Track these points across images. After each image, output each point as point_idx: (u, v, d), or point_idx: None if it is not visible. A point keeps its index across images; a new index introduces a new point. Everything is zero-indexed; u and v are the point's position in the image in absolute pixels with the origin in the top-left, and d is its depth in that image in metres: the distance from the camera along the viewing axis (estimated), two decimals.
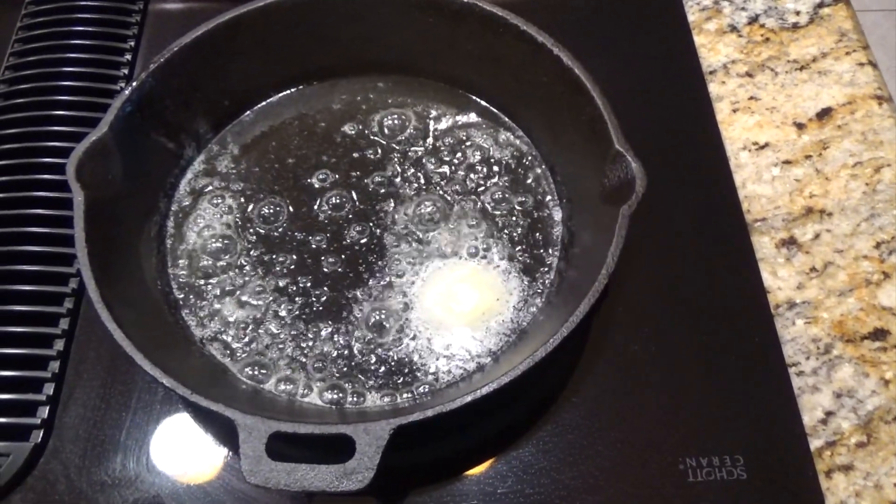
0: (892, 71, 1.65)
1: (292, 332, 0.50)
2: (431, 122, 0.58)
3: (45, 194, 0.54)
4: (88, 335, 0.51)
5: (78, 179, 0.47)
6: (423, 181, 0.55)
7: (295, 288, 0.51)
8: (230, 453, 0.47)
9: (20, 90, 0.59)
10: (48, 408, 0.48)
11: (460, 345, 0.48)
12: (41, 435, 0.47)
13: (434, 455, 0.47)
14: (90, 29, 0.64)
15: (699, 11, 0.64)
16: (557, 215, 0.53)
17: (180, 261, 0.52)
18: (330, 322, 0.49)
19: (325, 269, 0.51)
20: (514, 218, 0.53)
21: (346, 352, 0.49)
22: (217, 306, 0.51)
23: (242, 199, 0.54)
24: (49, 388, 0.48)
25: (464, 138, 0.56)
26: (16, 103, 0.59)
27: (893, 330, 0.50)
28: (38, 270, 0.52)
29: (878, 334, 0.50)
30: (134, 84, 0.49)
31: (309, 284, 0.51)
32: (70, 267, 0.52)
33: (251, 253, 0.52)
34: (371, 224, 0.53)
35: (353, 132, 0.57)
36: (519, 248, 0.52)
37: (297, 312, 0.50)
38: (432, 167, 0.55)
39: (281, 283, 0.51)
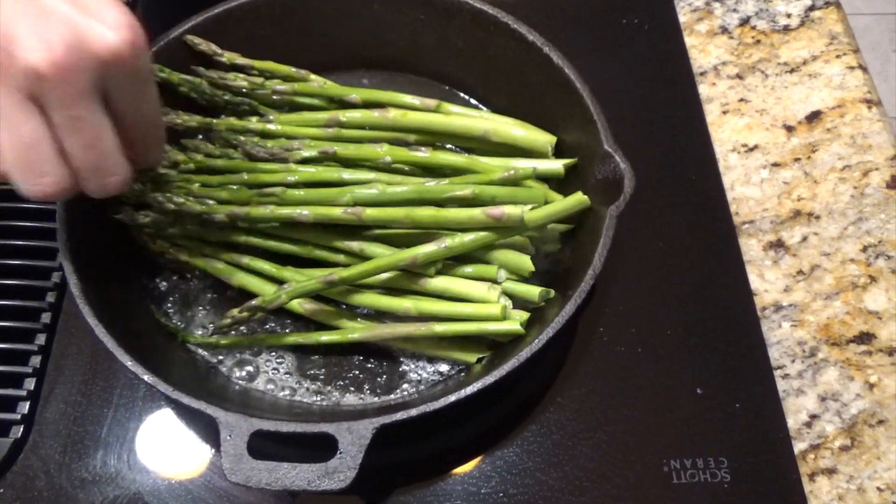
0: (884, 74, 1.66)
1: (279, 331, 0.49)
2: None
3: None
4: (70, 330, 0.50)
5: None
6: None
7: None
8: (213, 451, 0.47)
9: None
10: (29, 403, 0.47)
11: None
12: (21, 430, 0.47)
13: (418, 454, 0.47)
14: None
15: (690, 12, 0.64)
16: None
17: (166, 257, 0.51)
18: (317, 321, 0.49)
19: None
20: None
21: (331, 351, 0.48)
22: (203, 303, 0.50)
23: None
24: (30, 384, 0.48)
25: None
26: None
27: (879, 334, 0.50)
28: (21, 265, 0.51)
29: (864, 338, 0.50)
30: None
31: None
32: (53, 261, 0.52)
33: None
34: None
35: None
36: None
37: (284, 311, 0.49)
38: None
39: None
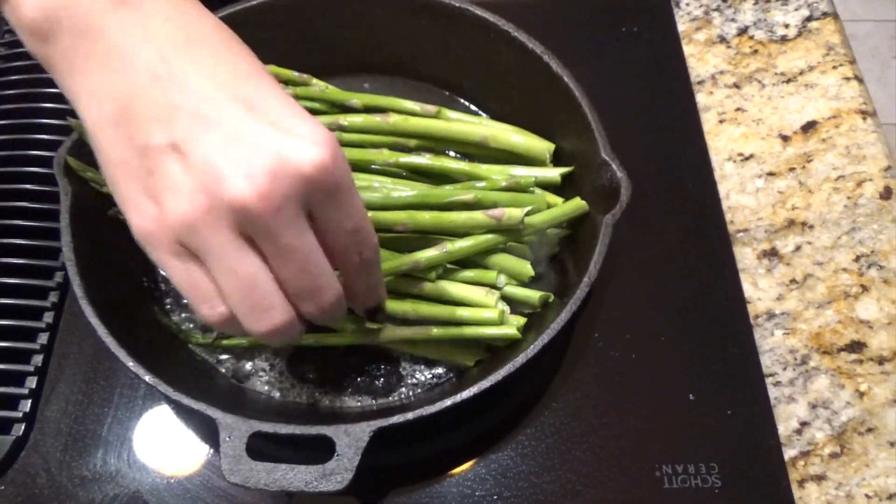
0: (883, 81, 1.67)
1: None
2: None
3: (33, 187, 0.54)
4: (72, 329, 0.51)
5: (65, 174, 0.47)
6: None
7: None
8: (211, 450, 0.47)
9: (10, 81, 0.59)
10: (30, 401, 0.48)
11: None
12: (23, 428, 0.47)
13: (413, 456, 0.48)
14: None
15: (689, 21, 0.65)
16: None
17: None
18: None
19: None
20: None
21: (329, 353, 0.49)
22: None
23: None
24: (32, 382, 0.48)
25: None
26: (5, 94, 0.59)
27: (870, 343, 0.50)
28: (24, 263, 0.52)
29: (855, 347, 0.50)
30: None
31: None
32: (56, 261, 0.52)
33: None
34: None
35: None
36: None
37: None
38: None
39: None
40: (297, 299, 0.34)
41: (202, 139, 0.31)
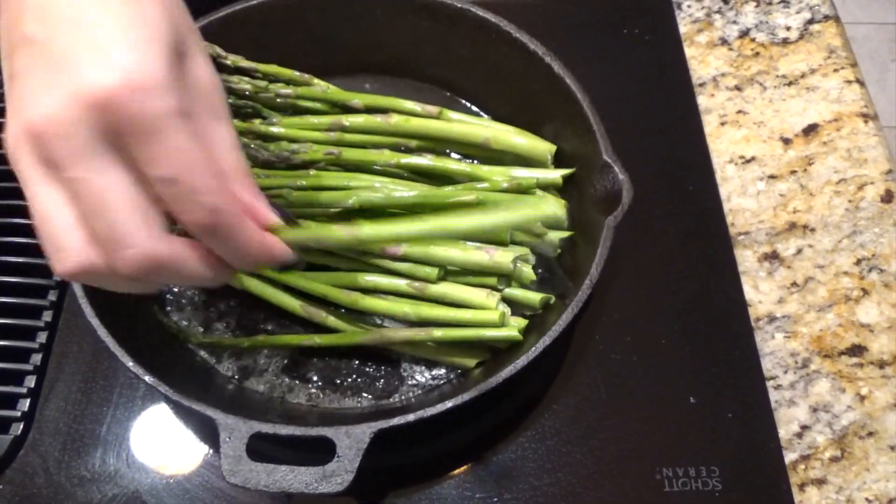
0: (882, 84, 1.67)
1: (278, 332, 0.50)
2: None
3: None
4: (71, 328, 0.51)
5: None
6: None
7: None
8: (210, 451, 0.47)
9: None
10: (29, 401, 0.48)
11: None
12: (21, 427, 0.47)
13: (414, 458, 0.48)
14: None
15: (691, 23, 0.65)
16: None
17: None
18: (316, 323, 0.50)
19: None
20: None
21: (330, 354, 0.49)
22: (202, 303, 0.51)
23: None
24: (30, 381, 0.48)
25: None
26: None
27: (870, 346, 0.50)
28: (23, 262, 0.52)
29: (856, 350, 0.50)
30: None
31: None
32: None
33: None
34: None
35: None
36: None
37: (283, 313, 0.50)
38: None
39: None
40: (102, 254, 0.30)
41: (23, 60, 0.30)
